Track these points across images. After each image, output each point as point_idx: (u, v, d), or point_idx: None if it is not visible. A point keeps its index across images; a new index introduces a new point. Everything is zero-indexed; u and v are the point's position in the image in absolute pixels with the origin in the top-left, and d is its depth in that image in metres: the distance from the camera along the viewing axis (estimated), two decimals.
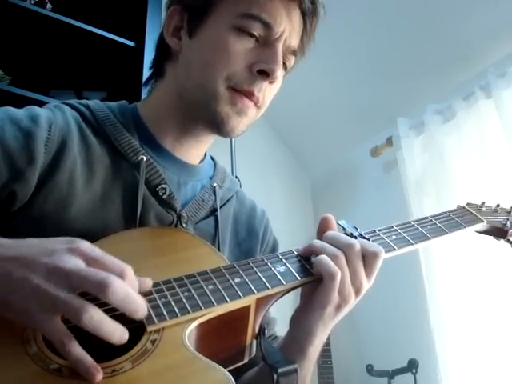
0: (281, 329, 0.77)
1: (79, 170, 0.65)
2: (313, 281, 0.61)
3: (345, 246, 0.61)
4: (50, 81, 1.83)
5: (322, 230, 0.66)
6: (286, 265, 0.62)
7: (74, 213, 0.63)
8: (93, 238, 0.51)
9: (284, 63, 0.72)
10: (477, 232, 0.83)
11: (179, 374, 0.47)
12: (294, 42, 0.73)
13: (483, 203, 0.87)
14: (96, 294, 0.44)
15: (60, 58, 1.78)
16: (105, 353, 0.47)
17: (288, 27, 0.70)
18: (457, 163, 2.08)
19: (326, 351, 2.22)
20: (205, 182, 0.79)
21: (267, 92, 0.72)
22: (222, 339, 0.58)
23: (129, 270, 0.47)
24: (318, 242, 0.63)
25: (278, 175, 2.92)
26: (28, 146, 0.62)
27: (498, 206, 0.88)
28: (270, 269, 0.61)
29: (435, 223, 0.75)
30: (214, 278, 0.57)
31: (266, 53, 0.69)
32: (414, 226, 0.73)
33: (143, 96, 0.85)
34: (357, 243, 0.61)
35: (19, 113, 0.66)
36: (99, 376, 0.44)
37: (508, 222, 0.84)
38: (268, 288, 0.58)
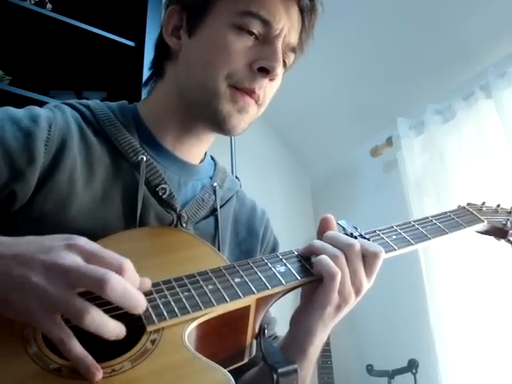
0: (281, 329, 0.77)
1: (79, 169, 0.65)
2: (313, 281, 0.61)
3: (345, 246, 0.61)
4: (49, 81, 1.83)
5: (322, 230, 0.66)
6: (286, 265, 0.62)
7: (74, 212, 0.63)
8: (93, 237, 0.51)
9: (284, 60, 0.72)
10: (477, 232, 0.83)
11: (179, 374, 0.47)
12: (293, 39, 0.73)
13: (483, 203, 0.87)
14: (95, 291, 0.44)
15: (60, 58, 1.78)
16: (104, 353, 0.47)
17: (287, 24, 0.70)
18: (457, 163, 2.08)
19: (326, 351, 2.22)
20: (205, 182, 0.79)
21: (268, 89, 0.72)
22: (222, 339, 0.58)
23: (127, 264, 0.47)
24: (318, 242, 0.63)
25: (278, 175, 2.92)
26: (28, 146, 0.62)
27: (498, 206, 0.88)
28: (270, 269, 0.61)
29: (435, 223, 0.75)
30: (213, 278, 0.57)
31: (265, 50, 0.69)
32: (414, 226, 0.73)
33: (143, 96, 0.85)
34: (357, 243, 0.61)
35: (19, 113, 0.66)
36: (99, 375, 0.44)
37: (508, 222, 0.84)
38: (268, 288, 0.58)
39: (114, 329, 0.45)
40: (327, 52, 2.30)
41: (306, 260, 0.63)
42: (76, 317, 0.43)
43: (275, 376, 0.53)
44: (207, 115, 0.71)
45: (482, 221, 0.81)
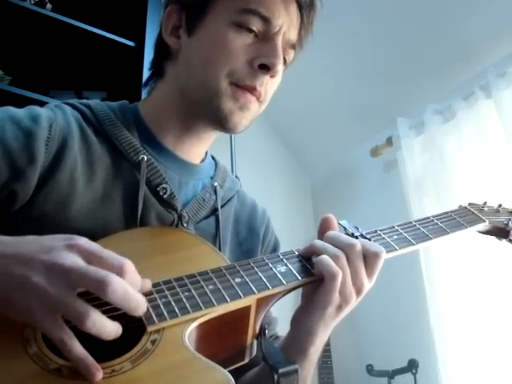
0: (282, 329, 0.77)
1: (80, 169, 0.65)
2: (314, 281, 0.61)
3: (346, 246, 0.61)
4: (50, 81, 1.83)
5: (323, 229, 0.66)
6: (286, 265, 0.62)
7: (75, 212, 0.63)
8: (93, 237, 0.51)
9: (284, 57, 0.72)
10: (479, 232, 0.83)
11: (180, 374, 0.47)
12: (293, 36, 0.73)
13: (485, 203, 0.86)
14: (95, 293, 0.44)
15: (60, 58, 1.78)
16: (104, 353, 0.47)
17: (286, 21, 0.70)
18: (457, 163, 2.08)
19: (326, 351, 2.22)
20: (206, 182, 0.79)
21: (269, 86, 0.72)
22: (223, 339, 0.58)
23: (128, 265, 0.47)
24: (319, 242, 0.63)
25: (278, 175, 2.92)
26: (28, 146, 0.62)
27: (499, 205, 0.87)
28: (271, 269, 0.61)
29: (437, 223, 0.75)
30: (214, 278, 0.57)
31: (265, 47, 0.69)
32: (415, 225, 0.73)
33: (143, 96, 0.85)
34: (358, 243, 0.61)
35: (20, 112, 0.66)
36: (99, 375, 0.44)
37: (510, 222, 0.83)
38: (269, 288, 0.58)
39: (112, 330, 0.45)
40: (327, 52, 2.30)
41: (306, 260, 0.63)
42: (77, 319, 0.43)
43: (276, 376, 0.53)
44: (209, 113, 0.71)
45: (484, 221, 0.81)
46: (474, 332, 1.84)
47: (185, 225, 0.71)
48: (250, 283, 0.57)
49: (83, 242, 0.47)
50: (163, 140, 0.75)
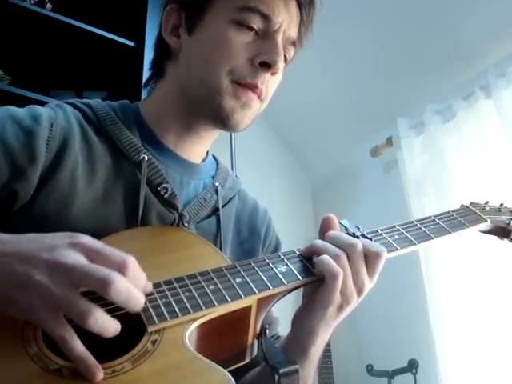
0: (283, 329, 0.77)
1: (80, 168, 0.65)
2: (315, 281, 0.61)
3: (347, 245, 0.61)
4: (50, 81, 1.83)
5: (324, 229, 0.66)
6: (287, 265, 0.61)
7: (75, 212, 0.63)
8: (94, 237, 0.51)
9: (284, 55, 0.72)
10: (480, 232, 0.83)
11: (182, 374, 0.47)
12: (293, 33, 0.73)
13: (487, 202, 0.86)
14: (98, 292, 0.44)
15: (60, 58, 1.78)
16: (105, 353, 0.47)
17: (286, 18, 0.70)
18: (457, 163, 2.07)
19: (326, 351, 2.22)
20: (207, 181, 0.79)
21: (270, 84, 0.72)
22: (223, 339, 0.57)
23: (131, 261, 0.46)
24: (319, 242, 0.63)
25: (278, 175, 2.92)
26: (29, 145, 0.62)
27: (501, 205, 0.87)
28: (272, 269, 0.60)
29: (438, 223, 0.75)
30: (215, 278, 0.57)
31: (266, 45, 0.69)
32: (416, 225, 0.73)
33: (143, 96, 0.85)
34: (359, 243, 0.61)
35: (20, 112, 0.66)
36: (100, 375, 0.44)
37: (511, 222, 0.83)
38: (269, 288, 0.57)
39: (113, 328, 0.45)
40: (327, 52, 2.30)
41: (307, 260, 0.63)
42: (79, 318, 0.43)
43: (276, 376, 0.53)
44: (210, 112, 0.71)
45: (486, 220, 0.81)
46: (474, 332, 1.83)
47: (186, 224, 0.70)
48: (251, 283, 0.57)
49: (86, 239, 0.47)
50: (164, 139, 0.75)
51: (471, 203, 0.85)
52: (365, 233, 0.67)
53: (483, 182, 1.93)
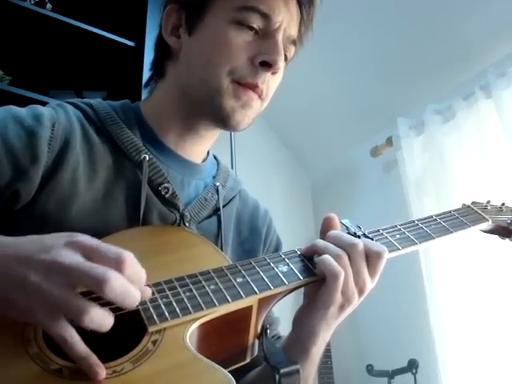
0: (284, 329, 0.77)
1: (82, 168, 0.65)
2: (316, 281, 0.61)
3: (348, 245, 0.61)
4: (50, 81, 1.83)
5: (325, 229, 0.66)
6: (288, 265, 0.61)
7: (76, 212, 0.63)
8: (95, 237, 0.51)
9: (284, 54, 0.72)
10: (482, 231, 0.83)
11: (185, 373, 0.47)
12: (293, 32, 0.73)
13: (488, 202, 0.86)
14: (95, 291, 0.43)
15: (60, 58, 1.78)
16: (105, 354, 0.47)
17: (286, 17, 0.70)
18: (457, 163, 2.08)
19: (326, 351, 2.19)
20: (208, 181, 0.79)
21: (270, 83, 0.72)
22: (224, 339, 0.57)
23: (127, 256, 0.46)
24: (320, 242, 0.63)
25: (278, 175, 2.92)
26: (31, 145, 0.62)
27: (503, 204, 0.87)
28: (273, 269, 0.60)
29: (439, 222, 0.74)
30: (215, 278, 0.57)
31: (266, 44, 0.69)
32: (417, 225, 0.72)
33: (143, 96, 0.85)
34: (360, 243, 0.61)
35: (22, 112, 0.66)
36: (102, 374, 0.44)
37: None
38: (270, 288, 0.57)
39: (110, 323, 0.45)
40: (327, 52, 2.30)
41: (308, 260, 0.63)
42: (76, 316, 0.43)
43: (277, 376, 0.53)
44: (211, 112, 0.71)
45: (487, 220, 0.80)
46: (474, 332, 1.83)
47: (187, 224, 0.70)
48: (252, 283, 0.57)
49: (83, 238, 0.47)
50: (165, 139, 0.75)
51: (473, 202, 0.84)
52: (366, 232, 0.66)
53: (483, 182, 1.93)
